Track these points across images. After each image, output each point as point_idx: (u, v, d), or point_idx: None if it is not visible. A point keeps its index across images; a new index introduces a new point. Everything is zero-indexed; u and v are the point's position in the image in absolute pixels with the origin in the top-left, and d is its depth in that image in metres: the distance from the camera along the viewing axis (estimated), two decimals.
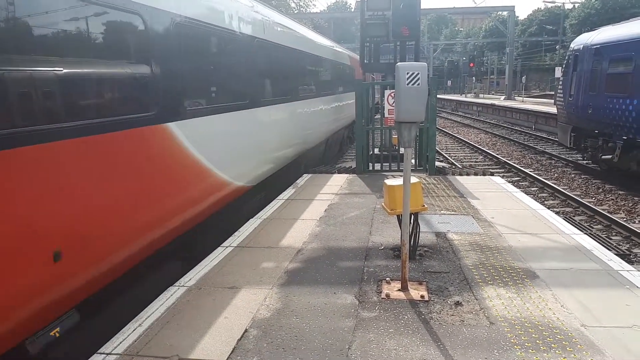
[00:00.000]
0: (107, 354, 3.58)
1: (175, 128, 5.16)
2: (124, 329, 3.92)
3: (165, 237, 5.14)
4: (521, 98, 42.98)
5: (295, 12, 44.93)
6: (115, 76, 4.37)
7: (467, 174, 10.32)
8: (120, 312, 4.46)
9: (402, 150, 4.90)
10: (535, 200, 8.78)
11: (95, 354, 3.59)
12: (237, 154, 7.17)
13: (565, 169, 15.31)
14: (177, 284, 4.82)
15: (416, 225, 5.23)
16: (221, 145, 6.54)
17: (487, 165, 16.30)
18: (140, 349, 3.64)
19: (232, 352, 3.56)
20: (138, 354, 3.57)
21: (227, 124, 6.73)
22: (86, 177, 3.90)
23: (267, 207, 7.88)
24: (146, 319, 4.08)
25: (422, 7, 11.82)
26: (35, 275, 3.42)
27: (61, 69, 3.64)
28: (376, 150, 11.69)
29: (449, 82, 75.87)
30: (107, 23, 4.24)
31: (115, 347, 3.65)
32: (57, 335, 3.78)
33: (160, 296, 4.54)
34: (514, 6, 40.20)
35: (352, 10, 67.27)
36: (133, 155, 4.52)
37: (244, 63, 7.42)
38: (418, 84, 4.16)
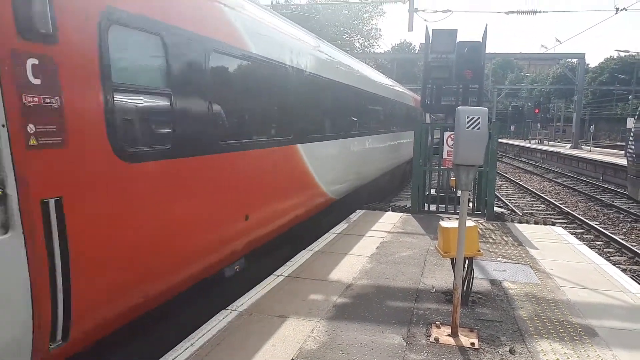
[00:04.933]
0: None
1: (301, 148, 7.84)
2: (176, 346, 4.08)
3: (293, 221, 7.64)
4: (589, 147, 41.32)
5: (359, 52, 45.86)
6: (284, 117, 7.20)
7: (527, 222, 10.01)
8: None
9: (459, 192, 4.88)
10: (600, 254, 8.38)
11: None
12: (330, 171, 9.55)
13: (635, 224, 14.48)
14: (229, 307, 4.96)
15: (470, 270, 5.14)
16: (322, 163, 8.97)
17: (549, 214, 15.69)
18: None
19: None
20: None
21: (326, 148, 9.30)
22: (267, 171, 6.63)
23: (319, 240, 7.97)
24: (198, 339, 4.22)
25: (487, 51, 11.81)
26: (237, 228, 5.79)
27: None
28: (432, 191, 11.59)
29: (513, 127, 74.18)
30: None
31: None
32: (237, 269, 5.98)
33: (212, 318, 4.68)
34: (584, 54, 39.30)
35: (416, 51, 67.91)
36: (286, 160, 7.34)
37: (345, 106, 10.66)
38: (478, 128, 4.18)
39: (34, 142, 3.04)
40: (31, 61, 3.02)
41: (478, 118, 4.20)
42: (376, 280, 6.01)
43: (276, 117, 7.05)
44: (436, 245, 5.23)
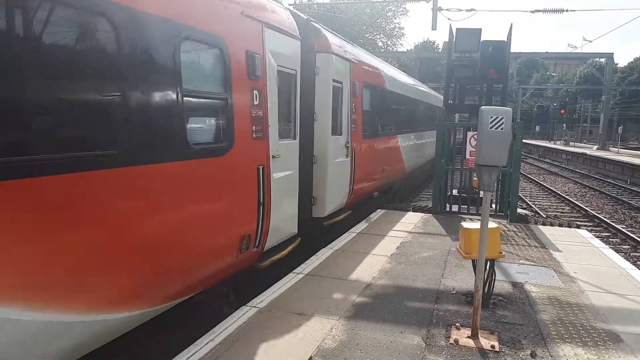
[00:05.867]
0: None
1: (399, 137, 13.66)
2: (197, 341, 4.13)
3: (394, 176, 13.59)
4: (616, 149, 40.37)
5: (382, 50, 45.62)
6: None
7: (551, 224, 9.84)
8: None
9: (481, 193, 4.83)
10: (626, 259, 8.19)
11: None
12: (409, 153, 15.32)
13: None
14: (249, 304, 5.00)
15: (492, 272, 5.07)
16: (406, 148, 14.70)
17: (574, 217, 15.39)
18: None
19: None
20: None
21: (408, 138, 15.09)
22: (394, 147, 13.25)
23: (339, 239, 7.97)
24: (218, 334, 4.27)
25: (512, 50, 11.64)
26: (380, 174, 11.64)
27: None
28: (454, 192, 11.48)
29: (537, 128, 72.94)
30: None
31: (189, 358, 3.85)
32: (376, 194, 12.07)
33: (232, 314, 4.73)
34: (612, 53, 38.33)
35: (439, 50, 67.25)
36: (395, 143, 13.31)
37: (412, 111, 16.62)
38: (502, 129, 4.13)
39: (254, 136, 5.56)
40: (254, 90, 5.54)
41: (502, 118, 4.15)
42: (396, 280, 5.99)
43: (399, 119, 14.02)
44: (457, 247, 5.18)
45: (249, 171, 5.47)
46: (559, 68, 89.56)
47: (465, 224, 4.97)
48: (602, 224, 14.24)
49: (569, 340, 4.46)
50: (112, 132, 3.56)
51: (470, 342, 4.32)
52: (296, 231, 6.98)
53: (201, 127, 4.74)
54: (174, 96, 4.16)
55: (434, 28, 22.27)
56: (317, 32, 8.09)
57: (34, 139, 3.01)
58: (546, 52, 44.88)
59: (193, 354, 3.91)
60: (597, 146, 43.27)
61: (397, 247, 7.56)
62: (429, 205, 11.22)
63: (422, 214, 10.58)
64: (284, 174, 6.37)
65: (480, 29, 11.30)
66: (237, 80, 5.15)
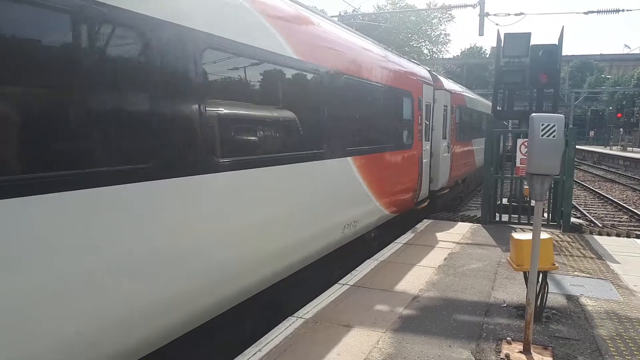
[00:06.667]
0: None
1: (473, 142, 17.74)
2: (245, 351, 4.18)
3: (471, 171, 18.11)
4: None
5: (427, 58, 45.19)
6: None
7: (608, 234, 9.40)
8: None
9: (533, 202, 4.68)
10: None
11: None
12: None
13: None
14: (295, 314, 5.03)
15: (545, 284, 4.89)
16: (477, 152, 18.08)
17: (633, 226, 14.61)
18: None
19: None
20: None
21: (475, 143, 18.06)
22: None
23: (384, 250, 7.90)
24: (265, 345, 4.31)
25: (564, 53, 11.28)
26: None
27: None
28: (504, 201, 11.16)
29: (592, 133, 70.00)
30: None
31: None
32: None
33: (279, 325, 4.77)
34: None
35: (487, 56, 65.90)
36: (470, 147, 17.29)
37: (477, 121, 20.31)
38: (554, 136, 4.00)
39: (418, 139, 10.44)
40: (419, 115, 10.61)
41: (554, 125, 4.01)
42: (444, 293, 5.87)
43: (472, 127, 17.94)
44: (508, 258, 5.03)
45: (416, 157, 10.43)
46: (615, 70, 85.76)
47: (516, 235, 4.83)
48: None
49: (629, 357, 4.23)
50: (401, 138, 9.51)
51: (522, 358, 4.17)
52: (427, 195, 11.79)
53: (406, 134, 9.83)
54: (401, 120, 9.58)
55: (481, 34, 21.81)
56: (435, 77, 12.88)
57: None
58: (600, 54, 43.32)
59: None
60: None
61: (445, 259, 7.42)
62: (478, 215, 10.96)
63: (471, 223, 10.34)
64: (425, 161, 11.21)
65: (530, 33, 11.05)
66: (415, 111, 10.20)
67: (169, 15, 3.58)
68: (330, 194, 6.51)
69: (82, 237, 2.98)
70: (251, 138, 4.77)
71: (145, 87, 3.43)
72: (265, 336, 4.49)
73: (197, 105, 3.89)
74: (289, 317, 4.96)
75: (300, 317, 4.97)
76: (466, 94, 18.16)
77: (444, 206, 13.88)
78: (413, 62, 12.01)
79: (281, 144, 5.28)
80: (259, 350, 4.22)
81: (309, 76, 5.78)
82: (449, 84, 14.62)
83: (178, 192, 3.70)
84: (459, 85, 18.62)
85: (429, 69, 13.15)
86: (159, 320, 3.62)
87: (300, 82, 5.68)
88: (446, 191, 13.51)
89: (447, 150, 13.16)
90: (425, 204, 11.45)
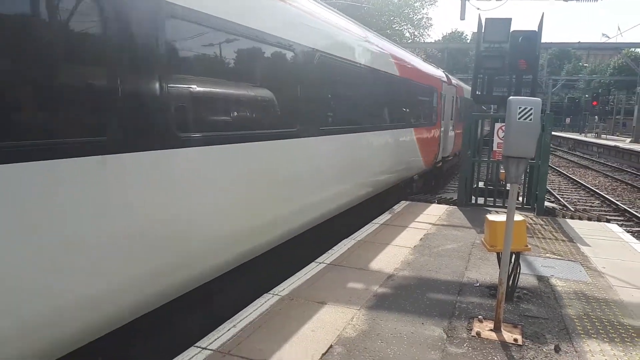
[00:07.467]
0: (203, 348, 3.85)
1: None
2: (219, 327, 4.19)
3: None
4: None
5: (409, 41, 45.09)
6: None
7: (580, 218, 9.63)
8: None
9: (508, 186, 4.74)
10: None
11: (192, 347, 3.87)
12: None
13: None
14: (271, 292, 5.05)
15: (517, 265, 5.00)
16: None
17: (604, 211, 15.01)
18: (232, 348, 3.86)
19: None
20: (230, 353, 3.79)
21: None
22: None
23: (361, 230, 7.96)
24: (240, 321, 4.32)
25: (543, 40, 11.35)
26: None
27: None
28: (481, 184, 11.32)
29: (568, 120, 71.17)
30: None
31: (211, 343, 3.92)
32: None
33: (254, 302, 4.78)
34: None
35: (468, 41, 66.09)
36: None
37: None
38: (530, 119, 4.04)
39: (439, 118, 15.55)
40: (440, 104, 15.54)
41: (531, 109, 4.06)
42: (418, 272, 5.95)
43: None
44: (482, 239, 5.11)
45: (438, 132, 15.11)
46: (592, 58, 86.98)
47: (491, 216, 4.90)
48: (634, 219, 13.85)
49: (595, 335, 4.37)
50: (433, 118, 14.60)
51: (493, 335, 4.28)
52: (440, 159, 16.00)
53: (434, 116, 14.52)
54: (432, 106, 14.49)
55: (462, 18, 21.97)
56: (447, 76, 17.44)
57: None
58: (579, 42, 43.53)
59: (215, 340, 3.97)
60: (630, 139, 42.02)
61: (421, 239, 7.51)
62: (454, 197, 11.10)
63: (447, 206, 10.47)
64: (441, 135, 15.48)
65: (510, 19, 11.06)
66: (439, 100, 15.00)
67: None
68: (403, 149, 11.39)
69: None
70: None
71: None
72: (240, 312, 4.50)
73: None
74: (265, 294, 4.97)
75: (276, 294, 4.99)
76: (464, 86, 23.12)
77: (448, 172, 19.81)
78: (433, 65, 17.04)
79: (388, 117, 10.19)
80: (234, 326, 4.23)
81: (402, 85, 11.10)
82: (454, 80, 20.21)
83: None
84: (459, 80, 24.36)
85: (443, 69, 18.63)
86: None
87: (393, 85, 10.46)
88: (450, 158, 18.29)
89: (452, 129, 17.97)
90: (440, 164, 16.40)
